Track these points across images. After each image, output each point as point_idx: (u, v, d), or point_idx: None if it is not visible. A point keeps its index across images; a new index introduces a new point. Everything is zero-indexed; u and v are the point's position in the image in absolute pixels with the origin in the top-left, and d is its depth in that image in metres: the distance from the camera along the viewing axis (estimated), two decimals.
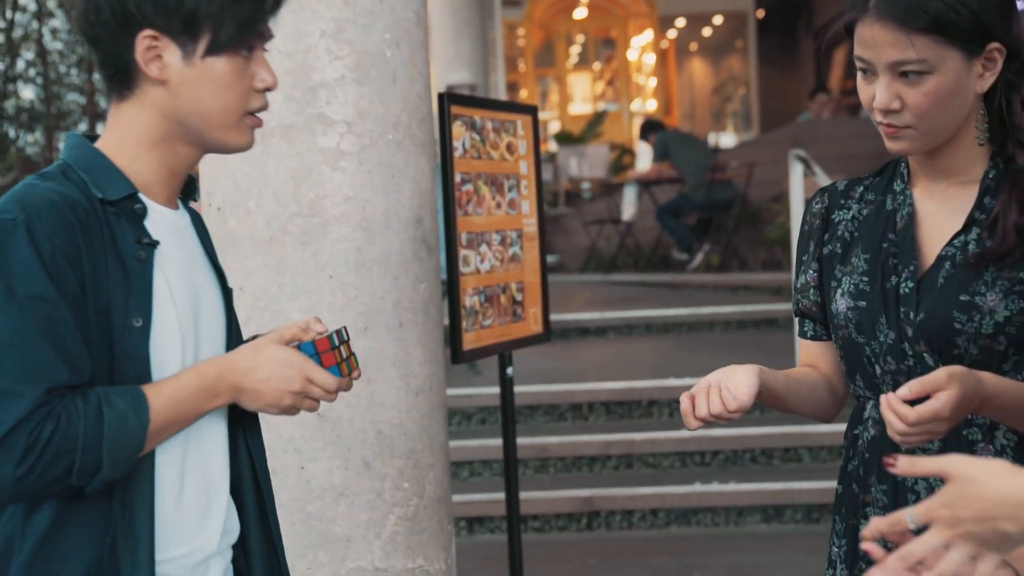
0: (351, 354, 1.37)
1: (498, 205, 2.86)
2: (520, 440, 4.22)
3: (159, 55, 1.27)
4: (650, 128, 8.54)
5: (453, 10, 9.19)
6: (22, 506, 1.23)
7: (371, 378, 2.25)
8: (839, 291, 1.48)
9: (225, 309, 1.41)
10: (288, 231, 2.22)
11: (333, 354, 1.32)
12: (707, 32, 18.55)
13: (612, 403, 4.49)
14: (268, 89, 1.34)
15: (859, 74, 1.42)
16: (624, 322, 6.13)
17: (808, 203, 1.61)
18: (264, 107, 1.35)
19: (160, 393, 1.24)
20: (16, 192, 1.23)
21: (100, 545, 1.22)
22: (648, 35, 14.74)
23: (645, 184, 8.47)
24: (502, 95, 13.10)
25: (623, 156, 11.66)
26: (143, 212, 1.29)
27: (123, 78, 1.30)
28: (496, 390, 4.41)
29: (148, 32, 1.26)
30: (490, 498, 3.80)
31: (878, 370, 1.44)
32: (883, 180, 1.52)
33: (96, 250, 1.22)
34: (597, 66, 14.87)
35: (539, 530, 3.95)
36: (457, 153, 2.68)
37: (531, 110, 3.06)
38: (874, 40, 1.37)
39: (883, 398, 1.26)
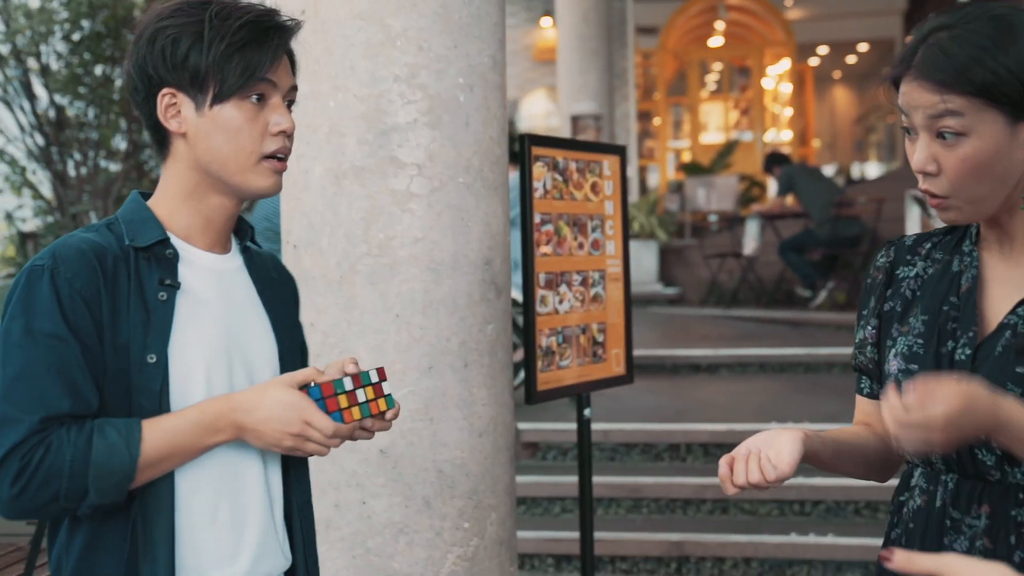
0: (378, 396, 1.39)
1: (580, 246, 2.86)
2: (614, 479, 4.17)
3: (178, 111, 1.39)
4: (775, 161, 8.34)
5: (581, 41, 9.24)
6: (67, 528, 1.34)
7: (434, 418, 2.28)
8: (893, 351, 1.42)
9: (280, 354, 1.47)
10: (358, 270, 2.27)
11: (336, 399, 1.34)
12: (851, 60, 18.05)
13: (711, 445, 4.39)
14: (284, 132, 1.41)
15: (905, 134, 1.37)
16: (737, 360, 5.99)
17: (875, 256, 1.55)
18: (282, 151, 1.42)
19: (158, 427, 1.31)
20: (56, 242, 1.36)
21: (123, 565, 1.32)
22: (785, 63, 14.43)
23: (769, 218, 8.27)
24: (632, 124, 13.07)
25: (752, 188, 11.43)
26: (174, 256, 1.39)
27: (159, 138, 1.43)
28: (604, 426, 4.39)
29: (166, 90, 1.38)
30: (577, 536, 3.77)
31: None
32: (953, 239, 1.46)
33: (119, 292, 1.33)
34: (732, 95, 14.65)
35: (627, 572, 3.89)
36: (537, 194, 2.69)
37: (619, 150, 3.04)
38: (912, 98, 1.32)
39: (884, 397, 1.20)
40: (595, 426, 4.35)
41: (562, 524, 4.05)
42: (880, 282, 1.49)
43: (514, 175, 3.90)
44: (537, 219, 2.70)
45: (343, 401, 1.35)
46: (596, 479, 4.00)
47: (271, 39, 1.38)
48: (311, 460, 2.29)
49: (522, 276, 2.71)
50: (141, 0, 6.58)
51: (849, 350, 6.28)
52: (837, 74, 19.19)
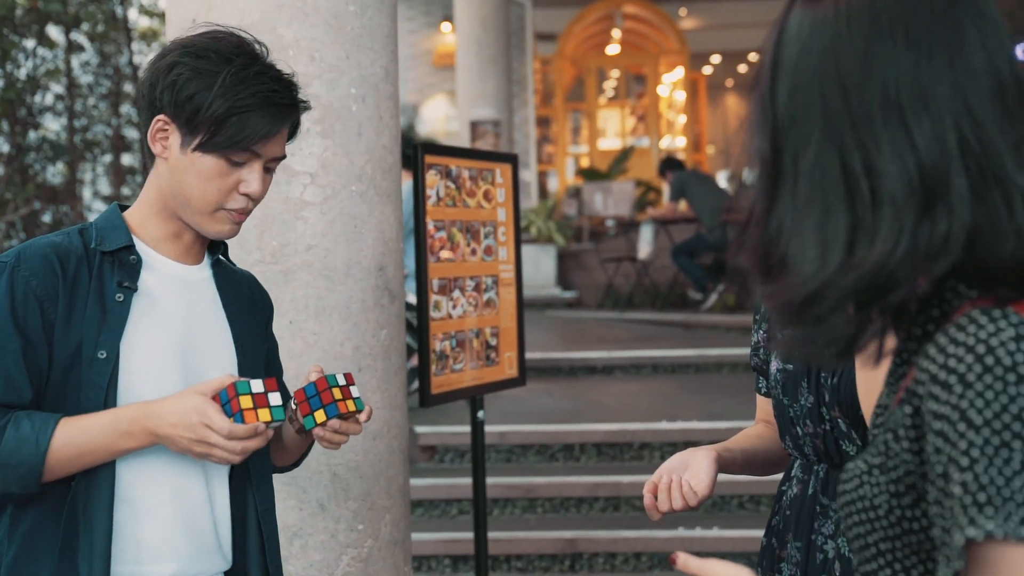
0: (346, 398, 1.45)
1: (473, 252, 2.93)
2: (509, 479, 4.26)
3: (166, 137, 1.47)
4: (669, 166, 8.58)
5: (479, 47, 9.32)
6: (10, 515, 1.39)
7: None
8: (774, 353, 1.53)
9: (239, 365, 1.52)
10: None
11: (238, 400, 1.36)
12: (743, 69, 18.60)
13: (604, 445, 4.51)
14: (250, 196, 1.48)
15: None
16: (631, 362, 6.14)
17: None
18: (244, 210, 1.49)
19: (74, 425, 1.36)
20: (26, 243, 1.46)
21: (62, 556, 1.37)
22: (680, 72, 14.80)
23: (663, 223, 8.50)
24: (531, 130, 13.21)
25: (648, 193, 11.69)
26: (137, 262, 1.47)
27: (150, 152, 1.52)
28: (500, 428, 4.46)
29: (162, 117, 1.47)
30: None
31: (799, 431, 1.48)
32: None
33: (79, 292, 1.41)
34: (629, 101, 14.95)
35: (522, 570, 3.98)
36: (431, 201, 2.75)
37: (511, 158, 3.12)
38: None
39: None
40: (492, 428, 4.42)
41: (459, 525, 4.11)
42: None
43: (407, 183, 3.94)
44: (431, 226, 2.76)
45: (245, 402, 1.36)
46: (492, 480, 4.08)
47: (274, 116, 1.45)
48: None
49: (416, 281, 2.77)
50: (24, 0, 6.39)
51: (737, 351, 6.51)
52: (730, 82, 19.74)
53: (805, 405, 1.47)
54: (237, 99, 1.42)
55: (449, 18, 12.30)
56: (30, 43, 6.49)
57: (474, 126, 9.28)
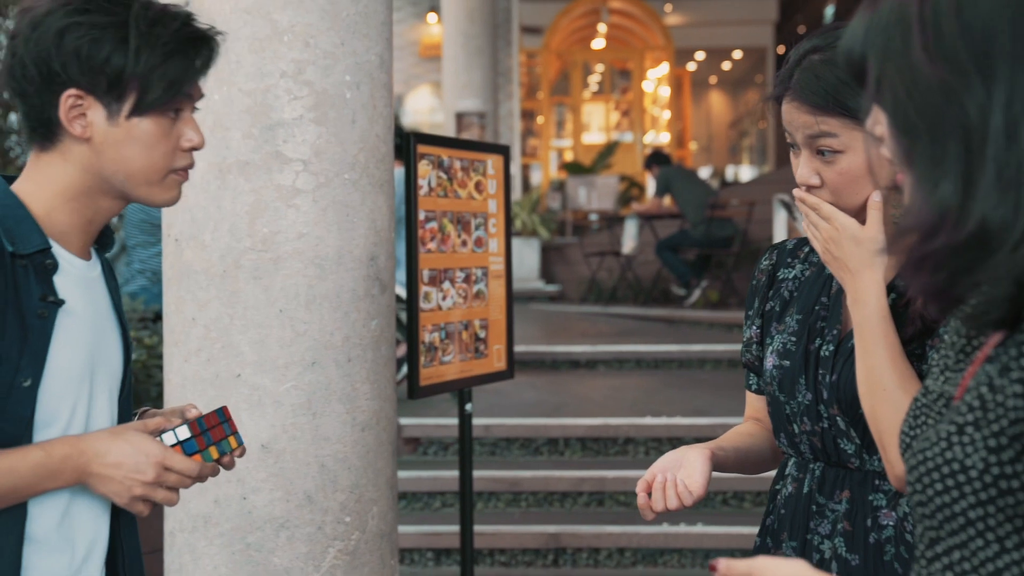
0: (229, 435, 1.36)
1: (463, 243, 2.91)
2: (493, 473, 4.25)
3: (83, 113, 1.28)
4: (655, 160, 8.59)
5: (466, 38, 9.29)
6: None
7: (317, 412, 2.29)
8: (770, 349, 1.52)
9: (124, 364, 1.41)
10: (241, 265, 2.26)
11: (203, 438, 1.32)
12: (726, 66, 18.64)
13: (588, 439, 4.51)
14: (195, 148, 1.35)
15: (790, 148, 1.46)
16: (615, 356, 6.14)
17: (759, 258, 1.65)
18: (190, 165, 1.36)
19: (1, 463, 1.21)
20: None
21: None
22: (664, 67, 14.82)
23: (647, 218, 8.50)
24: (516, 122, 13.19)
25: (631, 188, 11.70)
26: (53, 268, 1.28)
27: (46, 132, 1.31)
28: (485, 421, 4.45)
29: (72, 91, 1.27)
30: (456, 530, 3.83)
31: (796, 429, 1.47)
32: None
33: None
34: (613, 96, 14.96)
35: (505, 564, 3.97)
36: (422, 191, 2.73)
37: (503, 150, 3.10)
38: (792, 117, 1.41)
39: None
40: (476, 421, 4.41)
41: (442, 518, 4.10)
42: (763, 284, 1.59)
43: (399, 171, 3.92)
44: (422, 216, 2.73)
45: (200, 442, 1.32)
46: (476, 473, 4.06)
47: (200, 53, 1.32)
48: None
49: (406, 272, 2.75)
50: None
51: (721, 347, 6.52)
52: (713, 79, 19.78)
53: (803, 402, 1.46)
54: (161, 45, 1.26)
55: (435, 9, 12.24)
56: None
57: (459, 117, 9.25)
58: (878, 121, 0.83)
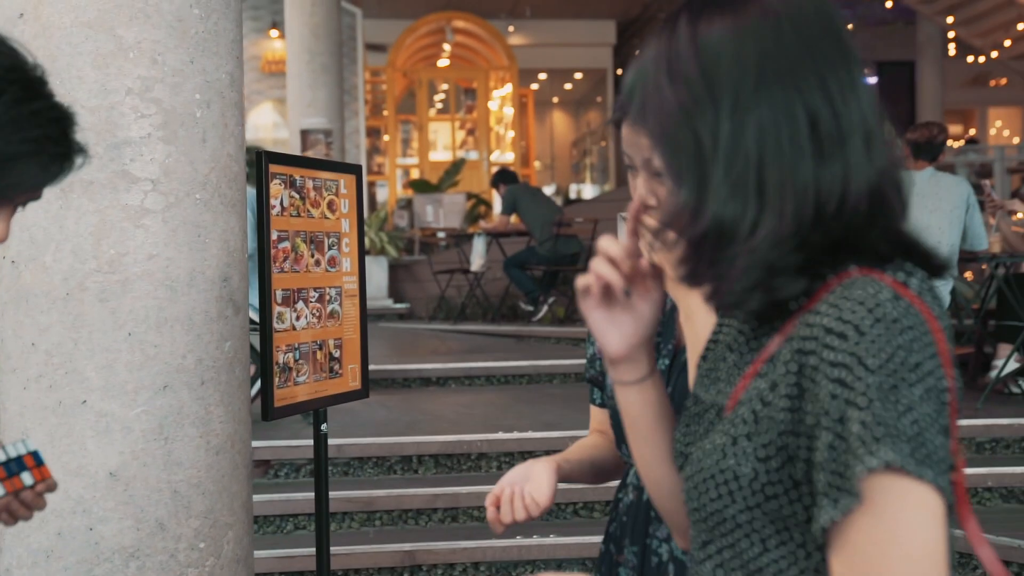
0: (32, 466, 1.36)
1: (317, 263, 2.89)
2: (347, 492, 4.21)
3: None
4: (502, 178, 8.71)
5: (310, 56, 9.19)
6: None
7: (169, 437, 2.24)
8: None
9: None
10: (86, 287, 2.19)
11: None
12: (568, 86, 19.09)
13: (441, 456, 4.53)
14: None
15: (629, 169, 1.53)
16: (465, 373, 6.19)
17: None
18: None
19: None
20: None
21: None
22: (508, 87, 15.05)
23: (495, 236, 8.61)
24: (362, 140, 13.11)
25: (478, 206, 11.82)
26: None
27: None
28: (338, 441, 4.40)
29: None
30: (311, 553, 3.78)
31: None
32: None
33: None
34: (459, 115, 15.08)
35: None
36: (274, 211, 2.70)
37: (355, 169, 3.11)
38: (629, 139, 1.48)
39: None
40: (329, 441, 4.36)
41: (296, 541, 4.03)
42: None
43: (251, 191, 3.86)
44: (274, 236, 2.71)
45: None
46: (330, 494, 4.02)
47: (48, 167, 1.22)
48: None
49: (259, 293, 2.71)
50: None
51: (568, 362, 6.64)
52: (556, 99, 20.22)
53: None
54: (6, 144, 1.16)
55: (277, 24, 12.06)
56: None
57: (304, 135, 9.14)
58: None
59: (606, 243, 1.04)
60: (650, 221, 1.48)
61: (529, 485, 1.45)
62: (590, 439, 1.67)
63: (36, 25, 2.21)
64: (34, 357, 2.20)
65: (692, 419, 1.00)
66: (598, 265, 1.04)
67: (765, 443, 0.86)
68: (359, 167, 3.14)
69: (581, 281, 1.05)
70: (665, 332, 1.56)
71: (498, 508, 1.45)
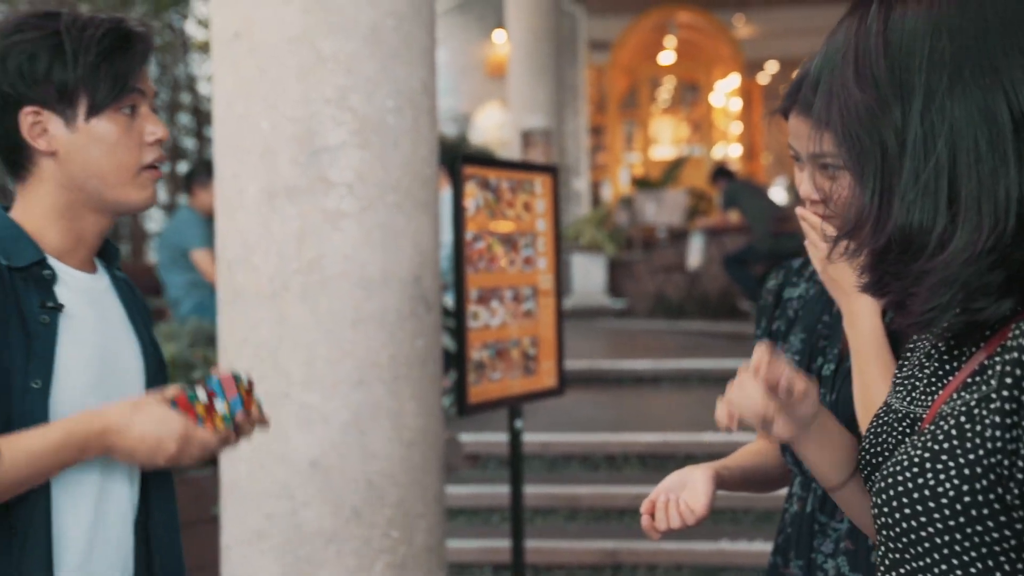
0: (242, 397, 1.37)
1: (512, 262, 2.95)
2: (552, 489, 4.27)
3: (45, 128, 1.34)
4: (720, 175, 8.53)
5: (531, 57, 9.36)
6: None
7: (364, 430, 2.35)
8: None
9: (145, 373, 1.45)
10: (289, 287, 2.34)
11: (194, 409, 1.35)
12: None
13: (647, 455, 4.50)
14: (159, 141, 1.39)
15: (795, 161, 1.46)
16: (679, 372, 6.10)
17: (766, 279, 1.66)
18: (160, 159, 1.41)
19: (17, 447, 1.24)
20: None
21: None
22: (735, 80, 14.69)
23: (714, 232, 8.44)
24: (584, 139, 13.21)
25: (700, 202, 11.62)
26: (52, 277, 1.34)
27: (18, 158, 1.37)
28: (543, 438, 4.47)
29: (29, 109, 1.33)
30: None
31: None
32: None
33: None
34: (683, 110, 14.88)
35: None
36: (469, 212, 2.78)
37: (551, 170, 3.14)
38: (797, 131, 1.42)
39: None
40: (534, 437, 4.43)
41: (500, 533, 4.12)
42: (770, 304, 1.59)
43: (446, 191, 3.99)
44: (469, 236, 2.78)
45: (200, 410, 1.35)
46: (534, 489, 4.08)
47: (135, 46, 1.36)
48: (245, 471, 2.36)
49: (454, 292, 2.80)
50: None
51: None
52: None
53: None
54: (95, 45, 1.31)
55: (503, 26, 12.36)
56: None
57: (525, 135, 9.31)
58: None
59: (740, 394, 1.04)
60: (813, 218, 1.41)
61: (685, 492, 1.41)
62: (756, 444, 1.60)
63: (249, 43, 2.38)
64: (244, 351, 2.37)
65: (882, 427, 0.94)
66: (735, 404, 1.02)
67: (970, 461, 0.79)
68: (555, 167, 3.17)
69: (719, 413, 1.05)
70: (832, 335, 1.48)
71: (653, 516, 1.42)
